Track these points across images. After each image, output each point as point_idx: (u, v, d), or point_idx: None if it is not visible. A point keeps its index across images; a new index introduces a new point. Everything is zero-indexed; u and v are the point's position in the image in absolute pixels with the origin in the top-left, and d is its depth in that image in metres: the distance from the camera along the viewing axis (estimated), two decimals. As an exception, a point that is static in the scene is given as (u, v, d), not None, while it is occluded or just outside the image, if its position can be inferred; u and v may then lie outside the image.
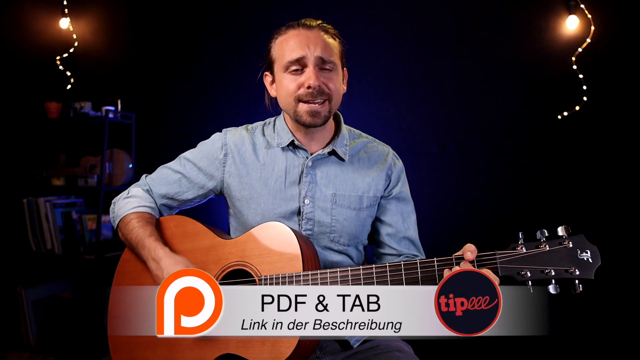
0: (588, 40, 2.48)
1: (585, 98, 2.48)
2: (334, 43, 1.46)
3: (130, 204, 1.55)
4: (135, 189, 1.60)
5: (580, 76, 2.49)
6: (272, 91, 1.54)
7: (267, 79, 1.55)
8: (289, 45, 1.43)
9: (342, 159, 1.54)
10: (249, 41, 3.03)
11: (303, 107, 1.42)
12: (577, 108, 2.50)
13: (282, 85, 1.45)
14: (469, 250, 1.19)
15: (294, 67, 1.42)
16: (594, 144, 2.49)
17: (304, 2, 2.89)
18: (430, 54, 2.74)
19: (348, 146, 1.56)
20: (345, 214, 1.51)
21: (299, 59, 1.41)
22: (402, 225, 1.57)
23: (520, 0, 2.57)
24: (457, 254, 1.22)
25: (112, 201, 1.64)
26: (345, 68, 1.54)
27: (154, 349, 1.44)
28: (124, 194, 1.61)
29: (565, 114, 2.52)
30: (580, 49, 2.49)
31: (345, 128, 1.59)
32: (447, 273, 1.19)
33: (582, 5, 2.48)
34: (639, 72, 2.42)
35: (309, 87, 1.40)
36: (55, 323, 3.21)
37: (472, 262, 1.19)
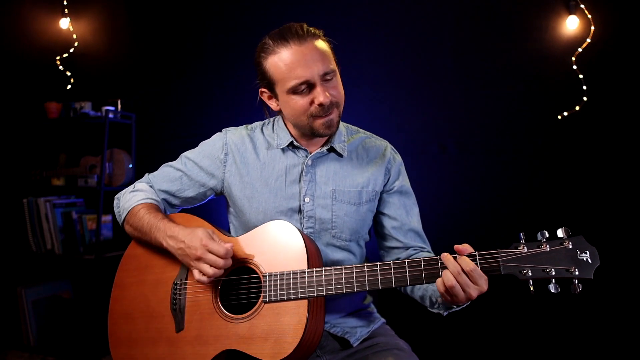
0: (588, 40, 2.48)
1: (585, 98, 2.49)
2: (326, 48, 1.43)
3: (137, 196, 1.57)
4: (140, 184, 1.62)
5: (580, 76, 2.49)
6: (272, 105, 1.52)
7: (265, 94, 1.52)
8: (288, 67, 1.38)
9: (340, 155, 1.55)
10: (249, 41, 3.01)
11: (319, 122, 1.42)
12: (577, 108, 2.50)
13: (290, 106, 1.43)
14: (460, 248, 1.23)
15: (300, 89, 1.39)
16: (594, 144, 2.49)
17: (304, 3, 2.89)
18: (430, 54, 2.75)
19: (346, 142, 1.57)
20: (345, 209, 1.52)
21: (305, 81, 1.38)
22: (406, 218, 1.58)
23: (520, 1, 2.58)
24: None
25: (116, 197, 1.65)
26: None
27: (155, 345, 1.45)
28: (129, 188, 1.62)
29: (565, 114, 2.52)
30: (580, 49, 2.49)
31: (342, 125, 1.60)
32: (447, 274, 1.20)
33: (582, 5, 2.48)
34: (639, 72, 2.42)
35: (320, 105, 1.39)
36: (55, 323, 3.21)
37: (471, 255, 1.21)
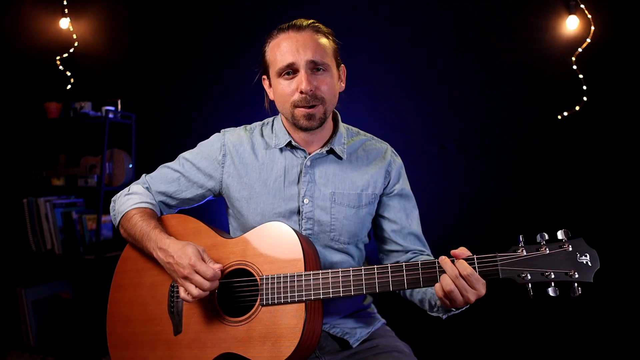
0: (588, 40, 2.47)
1: (585, 98, 2.48)
2: (326, 43, 1.46)
3: (132, 200, 1.56)
4: (135, 187, 1.61)
5: (580, 76, 2.49)
6: (270, 94, 1.55)
7: (266, 82, 1.56)
8: (280, 50, 1.43)
9: (340, 158, 1.54)
10: (248, 41, 3.03)
11: (299, 112, 1.43)
12: (577, 108, 2.50)
13: (278, 90, 1.47)
14: (457, 252, 1.22)
15: (286, 72, 1.43)
16: (594, 144, 2.49)
17: (304, 2, 2.89)
18: (430, 54, 2.74)
19: (346, 144, 1.56)
20: (344, 212, 1.51)
21: (290, 64, 1.41)
22: (406, 221, 1.58)
23: (520, 1, 2.57)
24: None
25: (112, 199, 1.65)
26: (342, 65, 1.54)
27: (153, 347, 1.44)
28: (124, 191, 1.62)
29: (565, 114, 2.52)
30: (580, 49, 2.49)
31: (343, 126, 1.59)
32: (445, 278, 1.19)
33: (582, 5, 2.47)
34: (639, 72, 2.41)
35: (301, 92, 1.40)
36: (55, 323, 3.21)
37: (469, 259, 1.20)
